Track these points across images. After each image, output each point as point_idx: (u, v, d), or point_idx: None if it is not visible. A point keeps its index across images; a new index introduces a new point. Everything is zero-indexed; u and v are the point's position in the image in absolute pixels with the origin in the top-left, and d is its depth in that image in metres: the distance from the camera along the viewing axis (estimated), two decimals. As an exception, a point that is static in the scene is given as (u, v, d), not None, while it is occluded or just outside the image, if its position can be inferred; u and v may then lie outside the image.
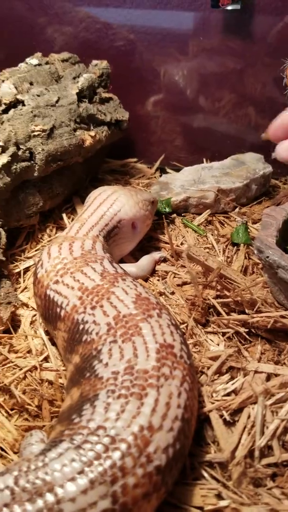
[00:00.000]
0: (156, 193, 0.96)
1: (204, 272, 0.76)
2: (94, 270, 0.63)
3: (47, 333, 0.69)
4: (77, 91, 0.91)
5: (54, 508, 0.39)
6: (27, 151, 0.81)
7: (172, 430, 0.45)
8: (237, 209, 0.97)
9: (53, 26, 1.11)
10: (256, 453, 0.51)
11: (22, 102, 0.85)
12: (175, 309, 0.71)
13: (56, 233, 0.91)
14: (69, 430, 0.45)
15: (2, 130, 0.79)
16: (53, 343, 0.67)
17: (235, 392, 0.58)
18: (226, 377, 0.60)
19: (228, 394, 0.57)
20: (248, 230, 0.88)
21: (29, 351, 0.66)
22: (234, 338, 0.66)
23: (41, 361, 0.65)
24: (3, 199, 0.79)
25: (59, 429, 0.47)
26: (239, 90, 1.10)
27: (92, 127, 0.93)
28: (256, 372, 0.59)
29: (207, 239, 0.89)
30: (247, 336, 0.65)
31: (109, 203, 0.77)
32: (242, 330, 0.66)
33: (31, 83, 0.89)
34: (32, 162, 0.82)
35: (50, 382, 0.62)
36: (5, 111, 0.83)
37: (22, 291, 0.78)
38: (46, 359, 0.66)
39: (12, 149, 0.79)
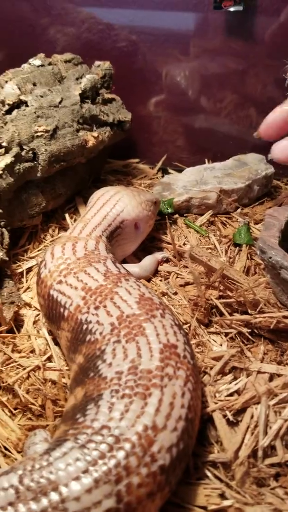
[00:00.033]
0: (158, 194, 0.96)
1: (206, 272, 0.76)
2: (97, 270, 0.63)
3: (50, 333, 0.69)
4: (80, 92, 0.91)
5: (59, 507, 0.39)
6: (30, 152, 0.82)
7: (176, 430, 0.45)
8: (239, 210, 0.97)
9: (55, 27, 1.12)
10: (259, 453, 0.51)
11: (25, 103, 0.85)
12: (177, 309, 0.71)
13: (58, 233, 0.92)
14: (74, 429, 0.45)
15: (6, 131, 0.80)
16: (56, 343, 0.68)
17: (238, 392, 0.58)
18: (229, 377, 0.60)
19: (231, 394, 0.57)
20: (250, 231, 0.88)
21: (32, 351, 0.67)
22: (237, 339, 0.66)
23: (44, 361, 0.65)
24: (6, 199, 0.79)
25: (63, 429, 0.47)
26: (241, 91, 1.10)
27: (94, 128, 0.93)
28: (259, 372, 0.60)
29: (209, 239, 0.89)
30: (249, 337, 0.66)
31: (112, 204, 0.77)
32: (244, 330, 0.66)
33: (34, 84, 0.89)
34: (35, 162, 0.82)
35: (54, 382, 0.62)
36: (9, 111, 0.83)
37: (24, 291, 0.79)
38: (49, 359, 0.66)
39: (15, 149, 0.79)
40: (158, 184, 1.01)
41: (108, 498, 0.40)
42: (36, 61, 0.93)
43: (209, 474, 0.50)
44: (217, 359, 0.62)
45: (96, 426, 0.44)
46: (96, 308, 0.57)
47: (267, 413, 0.54)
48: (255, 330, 0.66)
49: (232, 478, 0.50)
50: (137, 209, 0.78)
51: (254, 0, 0.96)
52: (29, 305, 0.75)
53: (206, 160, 1.15)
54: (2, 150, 0.78)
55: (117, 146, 1.09)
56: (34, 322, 0.72)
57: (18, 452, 0.54)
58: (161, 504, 0.44)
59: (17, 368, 0.63)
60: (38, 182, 0.87)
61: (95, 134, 0.91)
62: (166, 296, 0.75)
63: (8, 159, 0.77)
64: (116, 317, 0.55)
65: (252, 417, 0.55)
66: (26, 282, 0.81)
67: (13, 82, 0.86)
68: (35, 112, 0.84)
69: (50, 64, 0.94)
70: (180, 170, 1.10)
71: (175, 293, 0.75)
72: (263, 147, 1.05)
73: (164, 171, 1.16)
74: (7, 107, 0.83)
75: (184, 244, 0.87)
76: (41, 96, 0.87)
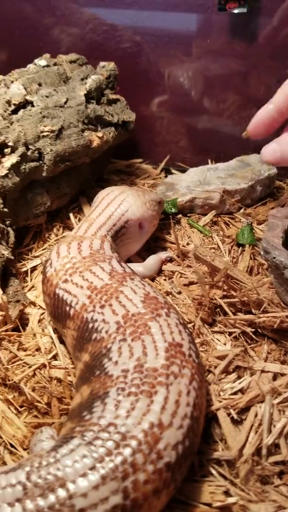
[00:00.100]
0: (162, 194, 0.97)
1: (210, 272, 0.76)
2: (103, 269, 0.63)
3: (55, 331, 0.70)
4: (85, 92, 0.91)
5: (66, 503, 0.39)
6: (36, 152, 0.82)
7: (181, 428, 0.45)
8: (242, 210, 0.98)
9: (60, 27, 1.12)
10: (264, 451, 0.51)
11: (31, 103, 0.85)
12: (182, 309, 0.72)
13: (63, 232, 0.92)
14: (80, 427, 0.45)
15: (12, 131, 0.80)
16: (62, 341, 0.68)
17: (242, 391, 0.58)
18: (233, 376, 0.60)
19: (235, 393, 0.58)
20: (253, 231, 0.88)
21: (38, 349, 0.67)
22: (241, 338, 0.66)
23: (50, 359, 0.65)
24: (11, 198, 0.80)
25: (69, 426, 0.47)
26: (244, 92, 1.11)
27: (99, 128, 0.93)
28: (262, 371, 0.60)
29: (213, 239, 0.89)
30: (253, 336, 0.66)
31: (116, 204, 0.78)
32: (248, 330, 0.66)
33: (39, 84, 0.89)
34: (40, 162, 0.83)
35: (59, 380, 0.62)
36: (15, 111, 0.84)
37: (29, 290, 0.79)
38: (54, 357, 0.66)
39: (21, 149, 0.79)
40: (162, 184, 1.02)
41: (115, 494, 0.40)
42: (41, 61, 0.94)
43: (213, 471, 0.51)
44: (221, 358, 0.62)
45: (102, 424, 0.44)
46: (102, 306, 0.58)
47: (271, 412, 0.54)
48: (259, 330, 0.67)
49: (236, 476, 0.50)
50: (141, 209, 0.79)
51: (258, 2, 0.96)
52: (33, 303, 0.76)
53: (209, 161, 1.16)
54: (8, 149, 0.78)
55: (121, 146, 1.09)
56: (39, 321, 0.73)
57: (24, 449, 0.55)
58: (167, 501, 0.44)
59: (23, 366, 0.64)
60: (43, 182, 0.87)
61: (100, 134, 0.92)
62: (170, 296, 0.75)
63: (14, 158, 0.78)
64: (121, 316, 0.55)
65: (256, 415, 0.55)
66: (31, 281, 0.81)
67: (19, 82, 0.87)
68: (40, 112, 0.84)
69: (55, 64, 0.95)
70: (183, 171, 1.11)
71: (179, 293, 0.75)
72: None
73: (167, 171, 1.17)
74: (13, 107, 0.83)
75: (188, 244, 0.87)
76: (47, 96, 0.87)
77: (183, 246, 0.86)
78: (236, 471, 0.51)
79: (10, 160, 0.77)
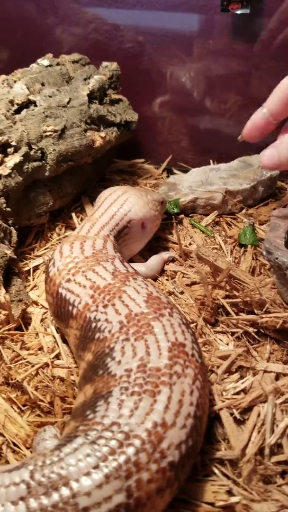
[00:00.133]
0: (164, 194, 0.97)
1: (212, 272, 0.76)
2: (106, 269, 0.63)
3: (58, 330, 0.70)
4: (88, 92, 0.91)
5: (70, 502, 0.39)
6: (39, 151, 0.82)
7: (185, 427, 0.45)
8: (244, 210, 0.98)
9: (62, 27, 1.12)
10: (266, 451, 0.51)
11: (34, 103, 0.86)
12: (184, 309, 0.72)
13: (65, 232, 0.92)
14: (84, 426, 0.45)
15: (15, 130, 0.80)
16: (64, 341, 0.68)
17: (244, 391, 0.58)
18: (236, 376, 0.60)
19: (237, 393, 0.58)
20: (255, 232, 0.88)
21: (40, 348, 0.67)
22: (243, 338, 0.67)
23: (53, 358, 0.65)
24: (14, 198, 0.80)
25: (73, 425, 0.48)
26: (246, 92, 1.11)
27: (102, 128, 0.94)
28: (265, 371, 0.60)
29: (215, 239, 0.89)
30: (256, 336, 0.66)
31: (119, 203, 0.78)
32: (251, 330, 0.66)
33: (42, 84, 0.89)
34: (43, 162, 0.83)
35: (62, 379, 0.62)
36: (18, 111, 0.84)
37: (31, 289, 0.79)
38: (57, 356, 0.66)
39: (24, 149, 0.80)
40: (164, 184, 1.02)
41: (119, 493, 0.40)
42: (44, 61, 0.94)
43: (216, 471, 0.51)
44: (223, 358, 0.63)
45: (106, 423, 0.44)
46: (105, 306, 0.58)
47: (273, 412, 0.55)
48: (261, 330, 0.67)
49: (239, 475, 0.50)
50: (144, 209, 0.79)
51: (260, 3, 0.97)
52: (36, 303, 0.76)
53: (211, 161, 1.16)
54: (11, 149, 0.79)
55: (123, 146, 1.09)
56: (42, 320, 0.73)
57: (27, 448, 0.55)
58: (170, 500, 0.44)
59: (26, 365, 0.64)
60: (46, 181, 0.87)
61: (103, 134, 0.92)
62: (172, 296, 0.76)
63: (17, 158, 0.78)
64: (124, 316, 0.56)
65: (258, 415, 0.55)
66: (33, 280, 0.81)
67: (22, 82, 0.87)
68: (43, 112, 0.85)
69: (58, 64, 0.95)
70: (185, 171, 1.11)
71: (182, 293, 0.76)
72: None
73: (169, 172, 1.17)
74: (16, 106, 0.83)
75: (190, 244, 0.88)
76: (50, 96, 0.87)
77: (185, 246, 0.86)
78: (238, 471, 0.51)
79: (13, 159, 0.77)
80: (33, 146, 0.82)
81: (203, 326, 0.68)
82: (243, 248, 0.86)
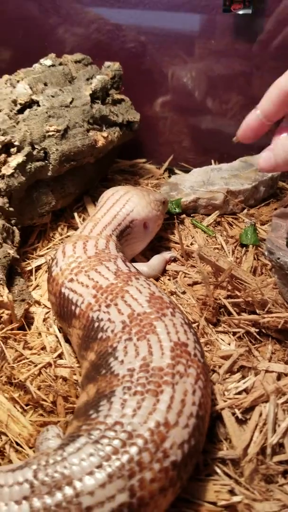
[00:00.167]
0: (166, 194, 0.97)
1: (214, 272, 0.77)
2: (108, 269, 0.64)
3: (60, 330, 0.70)
4: (91, 92, 0.92)
5: (73, 501, 0.40)
6: (42, 151, 0.83)
7: (187, 427, 0.46)
8: (245, 211, 0.98)
9: (65, 27, 1.12)
10: (268, 451, 0.52)
11: (37, 103, 0.86)
12: (186, 309, 0.72)
13: (67, 232, 0.92)
14: (87, 425, 0.46)
15: (18, 130, 0.81)
16: (67, 340, 0.68)
17: (246, 391, 0.59)
18: (238, 376, 0.61)
19: (239, 393, 0.58)
20: (257, 232, 0.88)
21: (43, 348, 0.67)
22: (245, 338, 0.67)
23: (55, 358, 0.66)
24: (17, 198, 0.80)
25: (76, 424, 0.48)
26: (247, 92, 1.11)
27: (104, 128, 0.94)
28: (267, 371, 0.60)
29: (216, 239, 0.90)
30: (257, 336, 0.66)
31: (122, 203, 0.78)
32: (252, 330, 0.67)
33: (45, 84, 0.90)
34: (46, 162, 0.83)
35: (64, 379, 0.63)
36: (21, 111, 0.84)
37: (34, 289, 0.79)
38: (60, 356, 0.67)
39: (27, 148, 0.80)
40: (166, 184, 1.02)
41: (122, 492, 0.41)
42: (47, 61, 0.94)
43: (218, 470, 0.51)
44: (225, 358, 0.63)
45: (109, 422, 0.45)
46: (108, 306, 0.58)
47: (275, 412, 0.55)
48: (263, 330, 0.67)
49: (241, 475, 0.51)
50: (146, 209, 0.79)
51: (262, 3, 0.97)
52: (38, 302, 0.76)
53: (212, 161, 1.16)
54: (14, 149, 0.79)
55: (124, 146, 1.09)
56: (44, 320, 0.73)
57: (30, 447, 0.55)
58: (173, 499, 0.45)
59: (29, 365, 0.64)
60: (48, 181, 0.88)
61: (105, 134, 0.92)
62: (174, 295, 0.76)
63: (20, 158, 0.78)
64: (127, 315, 0.56)
65: (260, 415, 0.55)
66: (35, 280, 0.81)
67: (25, 82, 0.87)
68: (46, 112, 0.85)
69: (60, 64, 0.95)
70: (186, 171, 1.11)
71: (184, 292, 0.76)
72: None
73: (170, 171, 1.17)
74: (19, 106, 0.83)
75: (192, 244, 0.88)
76: (52, 96, 0.87)
77: (187, 246, 0.86)
78: (240, 470, 0.51)
79: (16, 159, 0.78)
80: (36, 146, 0.82)
81: (205, 326, 0.69)
82: (244, 248, 0.87)
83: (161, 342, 0.52)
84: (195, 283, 0.78)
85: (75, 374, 0.63)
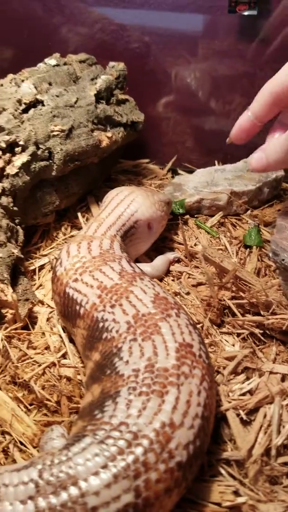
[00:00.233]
0: (170, 194, 0.97)
1: (218, 273, 0.77)
2: (113, 269, 0.64)
3: (64, 329, 0.70)
4: (95, 92, 0.92)
5: (79, 501, 0.40)
6: (46, 151, 0.83)
7: (192, 428, 0.46)
8: (248, 212, 0.98)
9: (68, 27, 1.12)
10: (273, 452, 0.52)
11: (41, 102, 0.86)
12: (190, 309, 0.72)
13: (71, 231, 0.92)
14: (92, 425, 0.46)
15: (23, 130, 0.81)
16: (71, 340, 0.68)
17: (250, 392, 0.59)
18: (242, 377, 0.61)
19: (244, 394, 0.58)
20: (260, 233, 0.88)
21: (47, 348, 0.67)
22: (249, 339, 0.67)
23: (59, 357, 0.66)
24: (21, 197, 0.80)
25: (81, 425, 0.48)
26: (251, 93, 1.10)
27: (108, 128, 0.94)
28: (271, 372, 0.60)
29: (220, 240, 0.89)
30: (261, 337, 0.66)
31: (126, 204, 0.78)
32: (257, 331, 0.67)
33: (50, 84, 0.90)
34: (50, 161, 0.83)
35: (69, 379, 0.63)
36: (25, 110, 0.84)
37: (37, 288, 0.79)
38: (64, 355, 0.67)
39: (32, 148, 0.80)
40: (169, 184, 1.02)
41: (127, 493, 0.41)
42: (51, 60, 0.94)
43: (223, 471, 0.51)
44: (230, 359, 0.63)
45: (114, 423, 0.45)
46: (112, 306, 0.58)
47: (280, 413, 0.55)
48: (267, 331, 0.67)
49: (245, 476, 0.51)
50: (150, 209, 0.79)
51: (268, 4, 0.97)
52: (42, 302, 0.76)
53: (215, 162, 1.16)
54: (19, 148, 0.79)
55: (128, 146, 1.09)
56: (48, 319, 0.73)
57: (34, 447, 0.55)
58: (177, 500, 0.45)
59: (33, 364, 0.64)
60: (53, 181, 0.88)
61: (109, 134, 0.92)
62: (178, 296, 0.76)
63: (24, 157, 0.78)
64: (132, 316, 0.56)
65: (265, 416, 0.55)
66: (39, 279, 0.81)
67: (30, 81, 0.87)
68: (51, 112, 0.85)
69: (65, 64, 0.95)
70: (189, 171, 1.11)
71: (188, 293, 0.76)
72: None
73: (173, 172, 1.17)
74: (24, 106, 0.83)
75: (195, 244, 0.88)
76: (57, 96, 0.87)
77: (191, 247, 0.86)
78: (245, 471, 0.51)
79: (21, 159, 0.78)
80: (40, 146, 0.82)
81: (209, 327, 0.69)
82: (248, 249, 0.86)
83: (166, 343, 0.52)
84: (199, 284, 0.78)
85: (79, 374, 0.63)
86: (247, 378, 0.60)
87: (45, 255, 0.86)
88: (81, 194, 0.97)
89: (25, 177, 0.78)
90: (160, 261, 0.81)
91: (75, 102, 0.88)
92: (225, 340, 0.67)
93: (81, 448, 0.43)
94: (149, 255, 0.85)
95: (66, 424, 0.57)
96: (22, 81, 0.87)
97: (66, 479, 0.41)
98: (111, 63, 1.02)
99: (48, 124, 0.84)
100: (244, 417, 0.55)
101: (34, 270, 0.83)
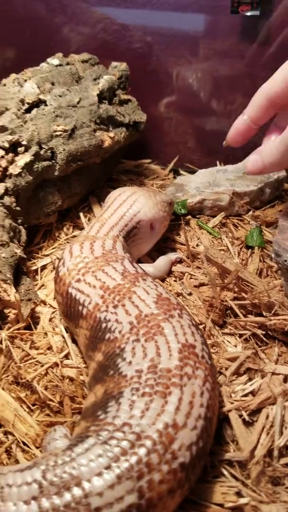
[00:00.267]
0: (171, 195, 0.97)
1: (220, 274, 0.77)
2: (115, 269, 0.64)
3: (66, 330, 0.70)
4: (98, 92, 0.92)
5: (82, 501, 0.40)
6: (49, 151, 0.83)
7: (195, 429, 0.46)
8: (250, 212, 0.98)
9: (71, 26, 1.12)
10: (275, 453, 0.52)
11: (44, 102, 0.86)
12: (192, 310, 0.72)
13: (73, 231, 0.92)
14: (95, 426, 0.46)
15: (25, 130, 0.81)
16: (73, 340, 0.68)
17: (253, 393, 0.59)
18: (244, 378, 0.61)
19: (246, 395, 0.58)
20: (262, 233, 0.88)
21: (49, 348, 0.68)
22: (251, 340, 0.67)
23: (62, 358, 0.66)
24: (24, 197, 0.80)
25: (84, 425, 0.48)
26: (253, 94, 1.10)
27: (111, 128, 0.94)
28: (273, 373, 0.60)
29: (222, 241, 0.90)
30: (264, 338, 0.66)
31: (128, 204, 0.78)
32: (259, 332, 0.67)
33: (52, 83, 0.90)
34: (53, 161, 0.84)
35: (71, 379, 0.63)
36: (28, 110, 0.84)
37: (39, 288, 0.79)
38: (66, 356, 0.67)
39: (34, 148, 0.80)
40: (171, 185, 1.02)
41: (130, 494, 0.41)
42: (54, 60, 0.94)
43: (225, 472, 0.51)
44: (232, 360, 0.63)
45: (117, 423, 0.45)
46: (115, 307, 0.58)
47: (282, 414, 0.55)
48: (269, 332, 0.67)
49: (248, 477, 0.51)
50: (153, 210, 0.79)
51: (270, 5, 0.97)
52: (44, 302, 0.76)
53: (217, 162, 1.16)
54: (22, 148, 0.79)
55: (130, 146, 1.09)
56: (50, 320, 0.73)
57: (37, 447, 0.55)
58: (180, 501, 0.45)
59: (35, 364, 0.64)
60: (55, 181, 0.88)
61: (112, 134, 0.92)
62: (180, 297, 0.76)
63: (27, 157, 0.78)
64: (134, 316, 0.56)
65: (267, 417, 0.55)
66: (41, 279, 0.82)
67: (33, 81, 0.87)
68: (54, 112, 0.85)
69: (68, 64, 0.95)
70: (191, 172, 1.11)
71: (190, 294, 0.76)
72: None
73: (175, 172, 1.17)
74: (26, 106, 0.83)
75: (197, 245, 0.88)
76: (60, 96, 0.87)
77: (193, 247, 0.86)
78: (247, 472, 0.51)
79: (24, 159, 0.78)
80: (43, 146, 0.82)
81: (211, 327, 0.69)
82: (250, 250, 0.87)
83: (169, 344, 0.52)
84: (201, 284, 0.78)
85: (81, 375, 0.63)
86: (250, 379, 0.61)
87: (47, 255, 0.86)
88: (83, 194, 0.97)
89: (28, 177, 0.79)
90: (162, 261, 0.81)
91: (78, 102, 0.88)
92: (227, 341, 0.67)
93: (84, 448, 0.43)
94: (151, 256, 0.85)
95: (69, 424, 0.57)
96: (25, 81, 0.87)
97: (69, 479, 0.41)
98: (114, 63, 1.02)
99: (51, 124, 0.84)
100: (247, 418, 0.55)
101: (36, 270, 0.83)
